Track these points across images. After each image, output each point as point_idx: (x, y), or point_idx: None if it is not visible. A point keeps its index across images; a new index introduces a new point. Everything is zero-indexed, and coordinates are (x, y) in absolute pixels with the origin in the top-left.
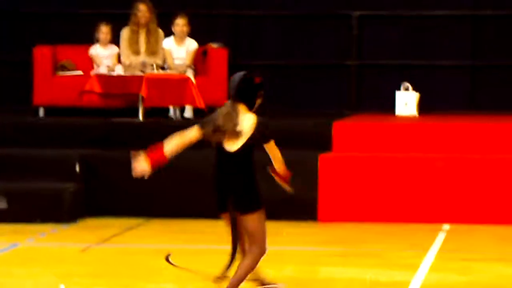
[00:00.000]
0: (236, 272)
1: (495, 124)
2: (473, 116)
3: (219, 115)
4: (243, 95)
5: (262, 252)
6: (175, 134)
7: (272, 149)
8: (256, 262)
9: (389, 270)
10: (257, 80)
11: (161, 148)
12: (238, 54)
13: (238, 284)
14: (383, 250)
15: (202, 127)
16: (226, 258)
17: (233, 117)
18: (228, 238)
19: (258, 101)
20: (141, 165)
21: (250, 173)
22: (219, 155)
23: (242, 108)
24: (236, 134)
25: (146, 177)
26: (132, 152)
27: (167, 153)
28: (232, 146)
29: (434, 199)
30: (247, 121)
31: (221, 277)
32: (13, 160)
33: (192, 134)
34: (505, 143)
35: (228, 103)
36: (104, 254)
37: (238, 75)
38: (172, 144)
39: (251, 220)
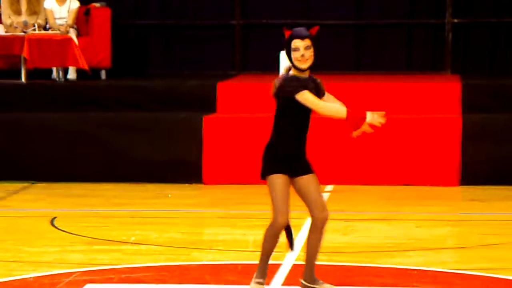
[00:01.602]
0: None
1: (378, 84)
2: (357, 76)
3: None
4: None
5: (272, 223)
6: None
7: (306, 102)
8: (266, 232)
9: None
10: (286, 33)
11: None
12: (121, 14)
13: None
14: (265, 211)
15: None
16: (109, 221)
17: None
18: None
19: (295, 55)
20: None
21: (274, 135)
22: None
23: (293, 69)
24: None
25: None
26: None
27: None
28: None
29: (318, 160)
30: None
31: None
32: None
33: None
34: (387, 103)
35: None
36: None
37: None
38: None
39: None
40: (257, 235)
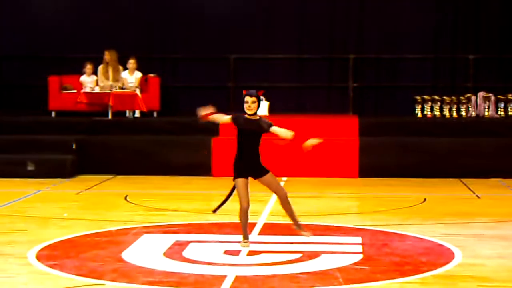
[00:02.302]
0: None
1: (311, 119)
2: (298, 115)
3: None
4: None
5: (240, 207)
6: (219, 114)
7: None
8: (239, 214)
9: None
10: (244, 92)
11: (211, 114)
12: (166, 80)
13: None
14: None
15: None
16: (158, 197)
17: None
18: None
19: (245, 106)
20: (204, 110)
21: (236, 153)
22: None
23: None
24: None
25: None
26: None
27: (211, 117)
28: None
29: (278, 162)
30: None
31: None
32: (37, 142)
33: (226, 119)
34: (315, 130)
35: None
36: (89, 196)
37: None
38: (215, 116)
39: None
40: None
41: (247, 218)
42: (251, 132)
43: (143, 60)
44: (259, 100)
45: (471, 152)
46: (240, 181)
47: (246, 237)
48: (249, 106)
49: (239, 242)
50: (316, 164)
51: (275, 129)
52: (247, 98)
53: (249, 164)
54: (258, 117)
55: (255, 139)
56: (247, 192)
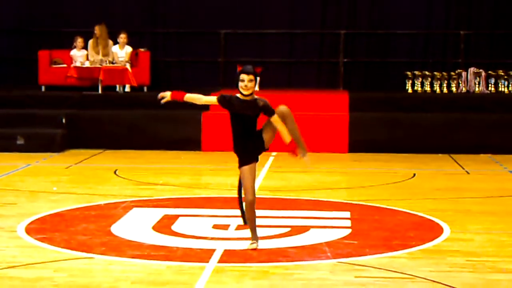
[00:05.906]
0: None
1: (302, 95)
2: (289, 90)
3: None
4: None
5: (246, 202)
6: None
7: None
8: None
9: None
10: (238, 68)
11: (184, 93)
12: (156, 55)
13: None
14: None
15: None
16: (148, 172)
17: None
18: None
19: (240, 84)
20: (165, 93)
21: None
22: None
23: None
24: None
25: (162, 102)
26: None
27: (186, 97)
28: None
29: None
30: None
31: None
32: (27, 116)
33: (210, 99)
34: (307, 105)
35: None
36: (79, 170)
37: None
38: (193, 95)
39: None
40: (233, 181)
41: (254, 213)
42: (247, 117)
43: (133, 35)
44: (256, 78)
45: (461, 128)
46: (246, 168)
47: (254, 236)
48: (245, 86)
49: (228, 216)
50: (306, 139)
51: (277, 121)
52: (243, 76)
53: (251, 147)
54: (255, 98)
55: (253, 123)
56: (253, 182)
